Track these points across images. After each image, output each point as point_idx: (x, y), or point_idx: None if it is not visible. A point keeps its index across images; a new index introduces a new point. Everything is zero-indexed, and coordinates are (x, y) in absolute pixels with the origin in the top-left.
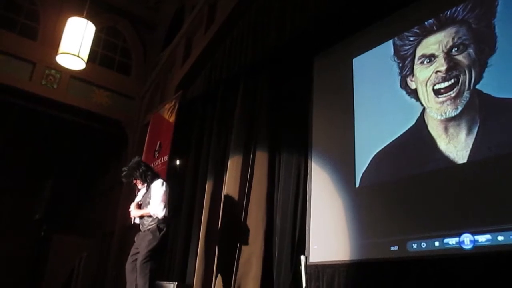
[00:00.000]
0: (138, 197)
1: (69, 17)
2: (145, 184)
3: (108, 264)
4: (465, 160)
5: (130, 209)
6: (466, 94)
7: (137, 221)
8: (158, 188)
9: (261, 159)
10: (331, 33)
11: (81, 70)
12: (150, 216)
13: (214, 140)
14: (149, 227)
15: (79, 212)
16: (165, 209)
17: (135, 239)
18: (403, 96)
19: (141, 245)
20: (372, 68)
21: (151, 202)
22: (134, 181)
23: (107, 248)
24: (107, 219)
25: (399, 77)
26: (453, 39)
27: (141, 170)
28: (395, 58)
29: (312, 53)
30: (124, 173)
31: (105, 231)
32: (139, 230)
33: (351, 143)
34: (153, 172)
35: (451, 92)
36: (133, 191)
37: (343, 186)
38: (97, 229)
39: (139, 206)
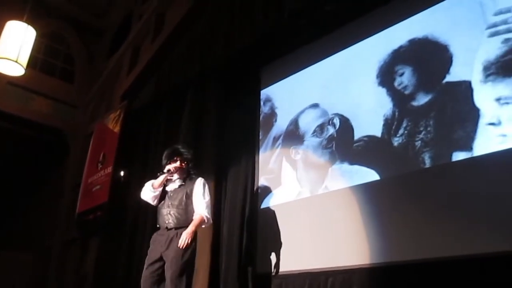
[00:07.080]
0: (160, 178)
1: (8, 20)
2: (183, 175)
3: (48, 281)
4: None
5: (151, 185)
6: None
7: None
8: (205, 187)
9: (207, 171)
10: (278, 46)
11: (19, 76)
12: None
13: (160, 151)
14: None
15: (14, 226)
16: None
17: (156, 238)
18: None
19: (170, 251)
20: None
21: (198, 201)
22: (176, 163)
23: (46, 264)
24: (46, 232)
25: None
26: None
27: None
28: None
29: (260, 65)
30: (180, 148)
31: (44, 245)
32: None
33: None
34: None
35: None
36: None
37: (291, 195)
38: (35, 243)
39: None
